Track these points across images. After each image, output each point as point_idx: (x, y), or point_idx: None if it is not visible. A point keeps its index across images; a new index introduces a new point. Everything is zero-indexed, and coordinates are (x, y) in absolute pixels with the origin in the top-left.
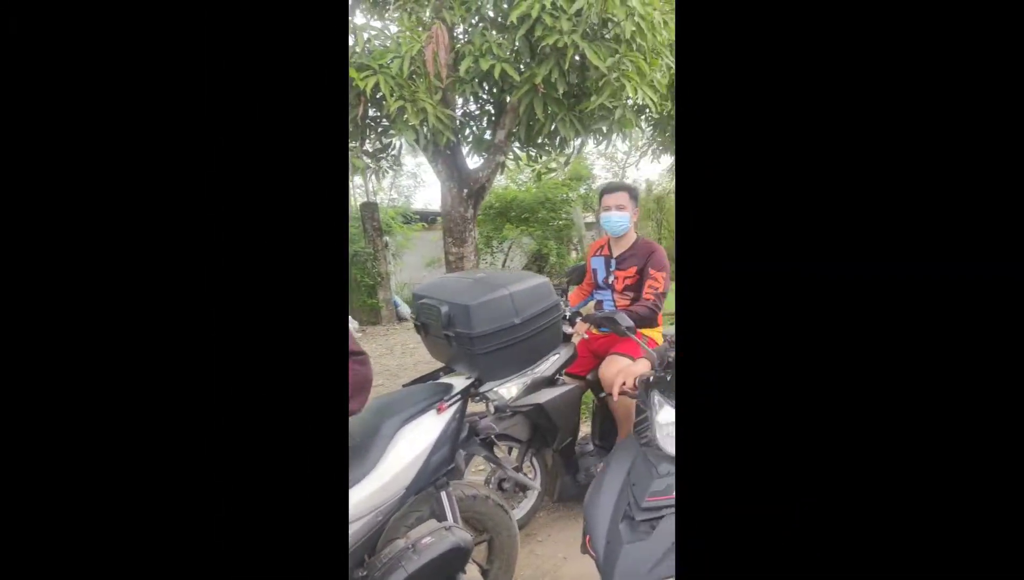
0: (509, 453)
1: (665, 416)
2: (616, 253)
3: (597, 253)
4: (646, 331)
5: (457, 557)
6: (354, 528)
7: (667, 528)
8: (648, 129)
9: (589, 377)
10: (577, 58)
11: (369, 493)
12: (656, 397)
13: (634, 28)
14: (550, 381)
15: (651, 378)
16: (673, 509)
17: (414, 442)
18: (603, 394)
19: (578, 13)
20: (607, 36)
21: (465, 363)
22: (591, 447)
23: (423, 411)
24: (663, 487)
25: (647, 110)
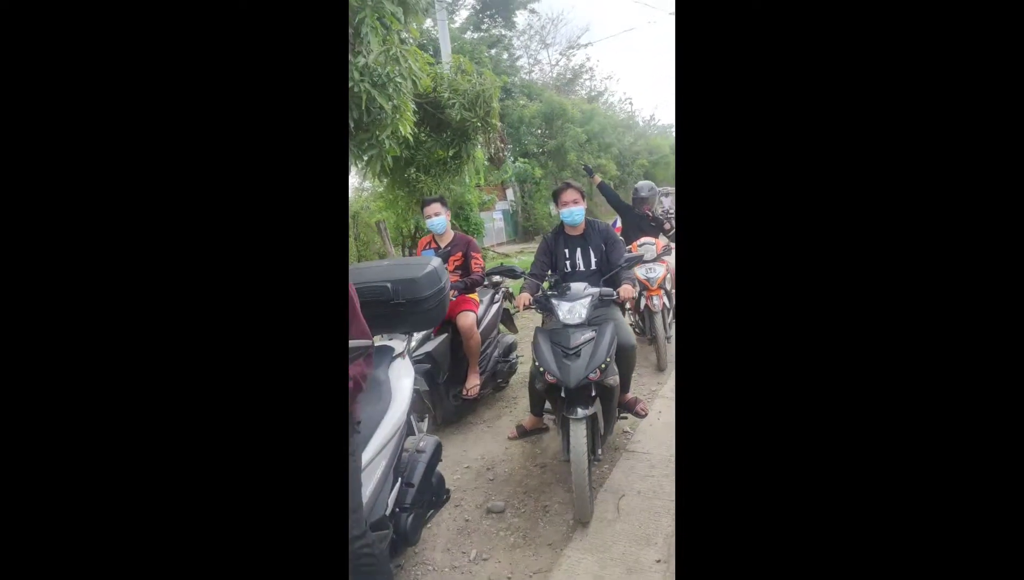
0: None
1: (564, 307)
2: (443, 245)
3: (427, 247)
4: (472, 296)
5: (440, 450)
6: (393, 443)
7: (586, 354)
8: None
9: (444, 334)
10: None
11: (397, 417)
12: (554, 301)
13: (408, 81)
14: (427, 337)
15: (542, 295)
16: (588, 343)
17: (402, 379)
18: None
19: (365, 67)
20: (381, 84)
21: (405, 323)
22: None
23: (392, 360)
24: (578, 337)
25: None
